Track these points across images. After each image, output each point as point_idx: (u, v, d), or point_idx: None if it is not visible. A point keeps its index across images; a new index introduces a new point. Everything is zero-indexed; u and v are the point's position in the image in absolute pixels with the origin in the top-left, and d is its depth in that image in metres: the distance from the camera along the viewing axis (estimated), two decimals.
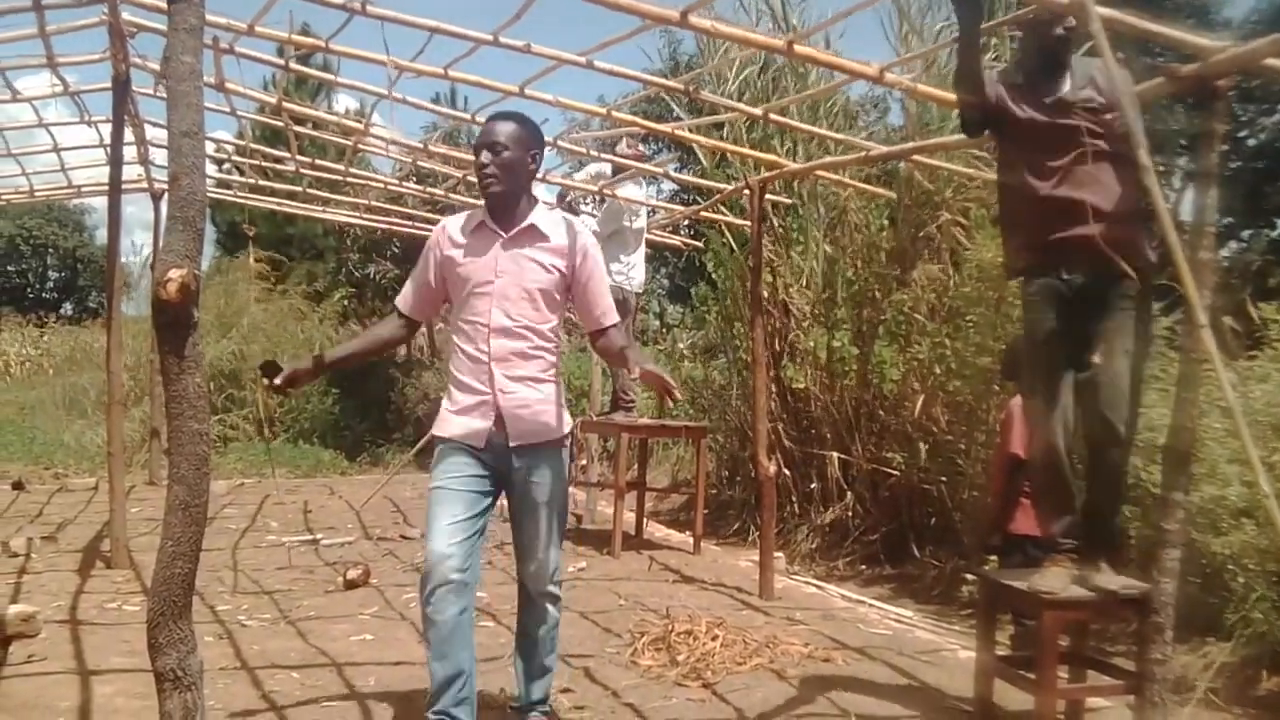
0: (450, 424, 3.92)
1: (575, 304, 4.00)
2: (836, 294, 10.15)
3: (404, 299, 4.10)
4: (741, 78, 10.56)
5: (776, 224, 10.44)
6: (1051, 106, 4.21)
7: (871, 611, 6.87)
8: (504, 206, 3.87)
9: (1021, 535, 5.48)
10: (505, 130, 3.83)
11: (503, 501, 4.04)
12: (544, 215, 3.94)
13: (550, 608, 4.02)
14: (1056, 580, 4.16)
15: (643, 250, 9.00)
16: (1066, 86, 4.24)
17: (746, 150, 9.42)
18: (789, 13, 10.47)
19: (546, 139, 8.49)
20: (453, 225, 4.00)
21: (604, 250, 9.09)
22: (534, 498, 3.90)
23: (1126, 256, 4.02)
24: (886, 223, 9.88)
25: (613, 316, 4.04)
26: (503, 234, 3.86)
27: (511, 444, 3.85)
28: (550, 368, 3.95)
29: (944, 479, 8.46)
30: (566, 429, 4.01)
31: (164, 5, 3.87)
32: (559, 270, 3.88)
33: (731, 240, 10.92)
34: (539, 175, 5.38)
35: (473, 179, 9.99)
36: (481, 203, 3.98)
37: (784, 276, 10.41)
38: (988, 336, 7.96)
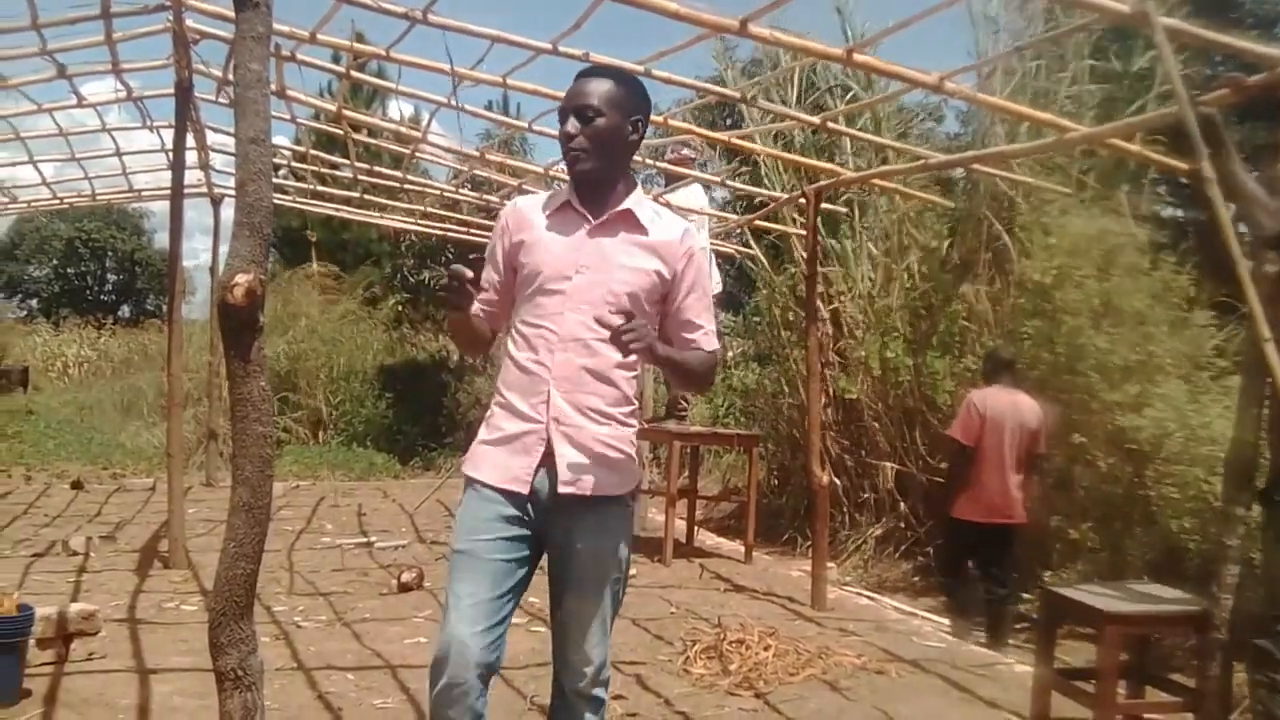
0: (483, 460, 2.97)
1: (665, 318, 3.03)
2: (892, 304, 10.08)
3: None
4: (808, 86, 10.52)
5: (834, 233, 10.40)
6: None
7: (925, 624, 6.82)
8: (594, 187, 2.96)
9: (963, 520, 5.47)
10: (599, 90, 2.90)
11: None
12: (644, 203, 3.03)
13: (591, 717, 3.00)
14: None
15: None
16: None
17: (800, 158, 9.40)
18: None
19: None
20: (527, 204, 3.08)
21: None
22: (582, 570, 2.93)
23: None
24: (948, 232, 9.79)
25: (711, 342, 3.07)
26: (590, 219, 2.95)
27: (561, 491, 2.87)
28: (626, 401, 2.99)
29: None
30: (635, 482, 3.06)
31: (227, 13, 3.91)
32: (657, 273, 2.95)
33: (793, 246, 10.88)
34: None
35: (529, 187, 10.05)
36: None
37: (838, 285, 10.36)
38: (1043, 349, 7.87)
